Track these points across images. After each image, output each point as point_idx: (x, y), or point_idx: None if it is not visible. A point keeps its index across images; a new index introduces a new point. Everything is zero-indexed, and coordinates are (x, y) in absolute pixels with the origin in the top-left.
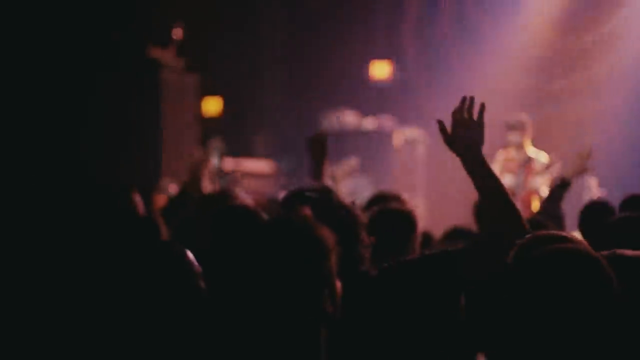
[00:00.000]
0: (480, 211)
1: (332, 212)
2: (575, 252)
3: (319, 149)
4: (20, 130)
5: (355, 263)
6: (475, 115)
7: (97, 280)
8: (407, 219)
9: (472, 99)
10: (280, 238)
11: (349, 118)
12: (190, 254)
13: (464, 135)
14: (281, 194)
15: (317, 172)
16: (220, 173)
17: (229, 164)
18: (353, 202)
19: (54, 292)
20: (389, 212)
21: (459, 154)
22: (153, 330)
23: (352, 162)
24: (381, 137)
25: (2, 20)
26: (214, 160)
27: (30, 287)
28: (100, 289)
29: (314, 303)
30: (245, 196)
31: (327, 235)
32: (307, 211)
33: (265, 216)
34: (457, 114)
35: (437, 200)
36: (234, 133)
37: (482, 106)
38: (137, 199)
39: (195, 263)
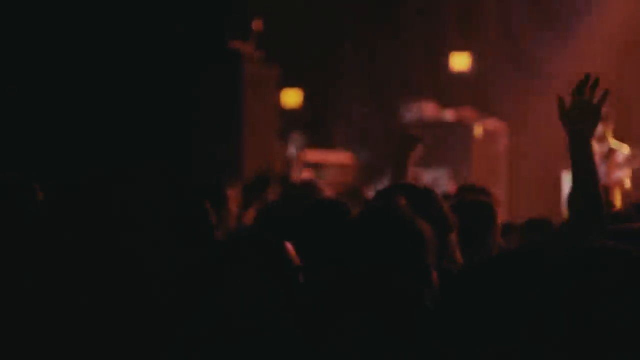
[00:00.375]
0: (571, 200)
1: (427, 208)
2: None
3: (405, 149)
4: (105, 124)
5: (440, 259)
6: (595, 98)
7: (193, 274)
8: (486, 210)
9: (596, 79)
10: (382, 229)
11: (429, 109)
12: (289, 248)
13: (580, 114)
14: (362, 185)
15: (399, 172)
16: (299, 164)
17: (308, 155)
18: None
19: (153, 287)
20: (468, 203)
21: (568, 131)
22: (251, 325)
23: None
24: (461, 129)
25: (87, 17)
26: (293, 152)
27: (128, 282)
28: (197, 283)
29: (414, 294)
30: (325, 187)
31: (426, 227)
32: (403, 202)
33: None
34: (578, 90)
35: (517, 192)
36: (313, 125)
37: (606, 92)
38: (232, 194)
39: (295, 257)
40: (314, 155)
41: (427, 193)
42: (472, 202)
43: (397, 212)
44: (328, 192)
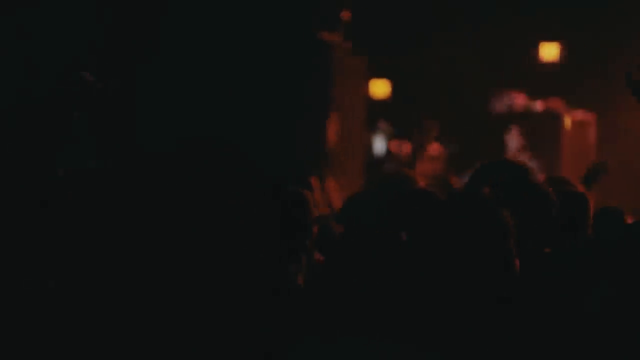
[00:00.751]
0: None
1: (526, 188)
2: None
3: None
4: (192, 117)
5: (542, 242)
6: None
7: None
8: (581, 201)
9: None
10: (465, 217)
11: (518, 100)
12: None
13: None
14: (451, 176)
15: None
16: (389, 156)
17: (396, 146)
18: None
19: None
20: (561, 194)
21: None
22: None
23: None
24: (550, 120)
25: (186, 14)
26: (381, 143)
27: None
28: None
29: (493, 283)
30: (417, 178)
31: (507, 215)
32: (487, 190)
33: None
34: None
35: (608, 185)
36: (401, 116)
37: None
38: (316, 184)
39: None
40: (401, 146)
41: (526, 170)
42: (568, 193)
43: (479, 200)
44: (420, 182)
